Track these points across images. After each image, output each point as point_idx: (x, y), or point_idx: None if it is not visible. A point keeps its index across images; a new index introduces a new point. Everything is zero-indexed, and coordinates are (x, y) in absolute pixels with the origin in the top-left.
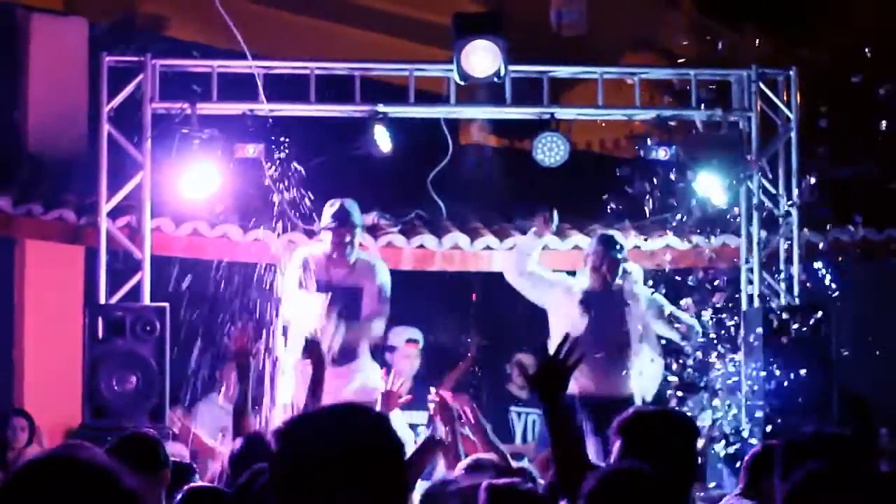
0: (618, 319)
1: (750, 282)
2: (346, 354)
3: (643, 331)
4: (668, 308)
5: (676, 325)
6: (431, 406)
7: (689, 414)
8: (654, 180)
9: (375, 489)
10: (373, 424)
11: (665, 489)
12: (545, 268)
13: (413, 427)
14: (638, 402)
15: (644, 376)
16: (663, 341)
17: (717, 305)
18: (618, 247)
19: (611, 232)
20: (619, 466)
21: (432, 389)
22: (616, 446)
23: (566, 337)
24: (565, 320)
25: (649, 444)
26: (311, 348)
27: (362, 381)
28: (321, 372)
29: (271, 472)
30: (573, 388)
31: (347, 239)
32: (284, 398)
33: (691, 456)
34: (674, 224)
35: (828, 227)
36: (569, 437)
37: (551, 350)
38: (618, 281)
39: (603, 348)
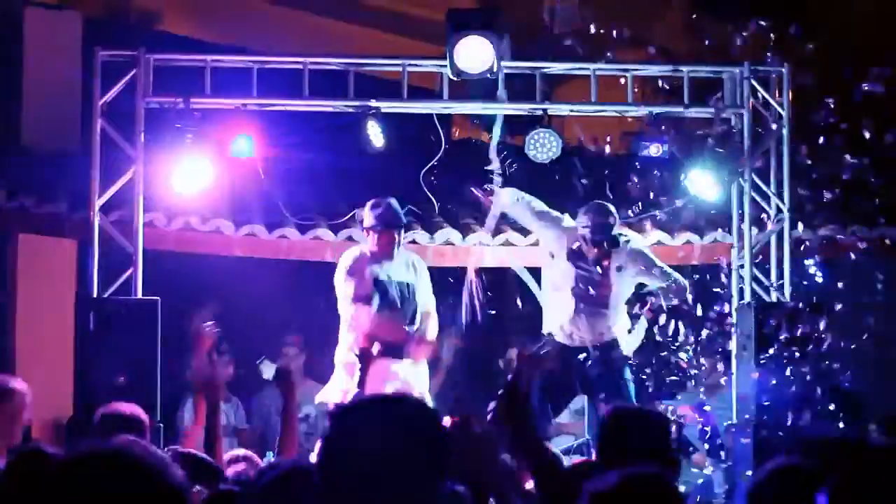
0: (605, 284)
1: (741, 279)
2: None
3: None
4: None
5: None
6: None
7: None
8: (647, 176)
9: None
10: (420, 414)
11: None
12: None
13: None
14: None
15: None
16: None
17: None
18: (610, 218)
19: (600, 202)
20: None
21: None
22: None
23: (519, 372)
24: (555, 262)
25: (627, 442)
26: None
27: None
28: (291, 400)
29: (323, 454)
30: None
31: (395, 239)
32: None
33: (669, 454)
34: (664, 220)
35: (819, 224)
36: (543, 456)
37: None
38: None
39: (588, 304)
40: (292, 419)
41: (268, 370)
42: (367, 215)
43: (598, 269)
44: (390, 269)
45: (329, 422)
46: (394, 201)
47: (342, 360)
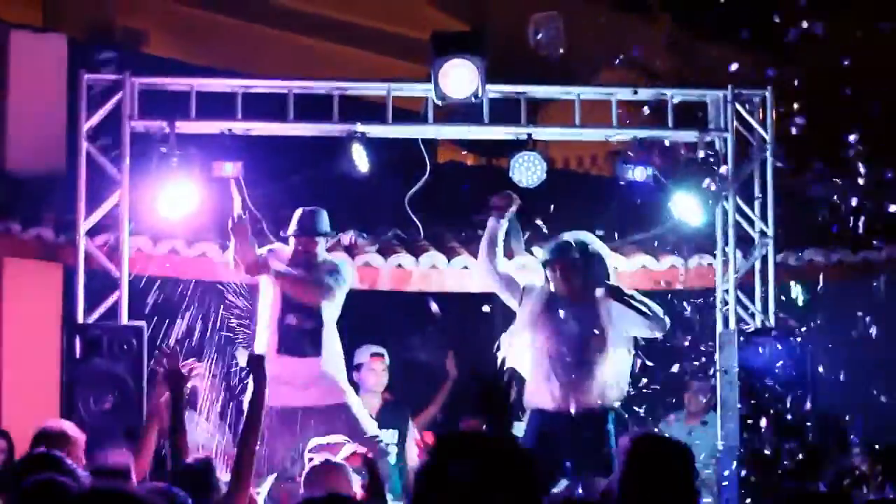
0: (587, 328)
1: (725, 303)
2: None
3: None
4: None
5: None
6: (416, 450)
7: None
8: (631, 200)
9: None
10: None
11: None
12: (511, 267)
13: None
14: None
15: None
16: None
17: None
18: (573, 250)
19: (567, 237)
20: None
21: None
22: (619, 467)
23: (503, 363)
24: (530, 317)
25: (652, 469)
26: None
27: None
28: (261, 387)
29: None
30: (540, 403)
31: (313, 249)
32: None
33: (692, 483)
34: (650, 244)
35: (803, 248)
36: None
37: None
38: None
39: (570, 356)
40: (259, 406)
41: (242, 357)
42: (293, 221)
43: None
44: (303, 271)
45: (427, 454)
46: (318, 210)
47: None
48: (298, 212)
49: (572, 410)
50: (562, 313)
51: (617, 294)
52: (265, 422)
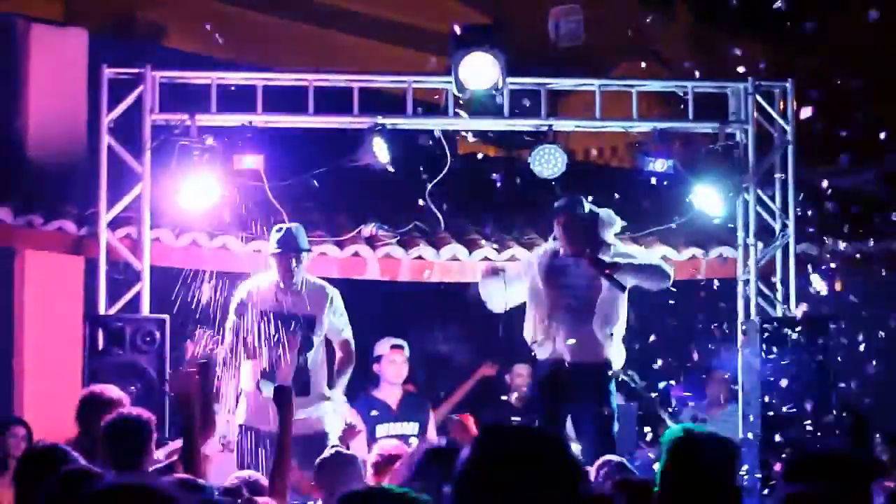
0: (587, 285)
1: (747, 294)
2: (299, 387)
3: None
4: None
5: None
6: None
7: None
8: (652, 191)
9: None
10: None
11: None
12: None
13: (405, 438)
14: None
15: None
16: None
17: None
18: (582, 207)
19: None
20: None
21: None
22: (660, 462)
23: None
24: (532, 282)
25: (694, 465)
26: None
27: (310, 415)
28: (287, 419)
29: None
30: (543, 354)
31: (293, 265)
32: (239, 419)
33: (733, 480)
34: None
35: (824, 238)
36: None
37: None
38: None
39: (572, 313)
40: (287, 437)
41: (266, 388)
42: (270, 240)
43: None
44: (289, 301)
45: (471, 447)
46: (297, 226)
47: (245, 389)
48: (277, 230)
49: (571, 359)
50: (564, 268)
51: (600, 267)
52: (250, 444)
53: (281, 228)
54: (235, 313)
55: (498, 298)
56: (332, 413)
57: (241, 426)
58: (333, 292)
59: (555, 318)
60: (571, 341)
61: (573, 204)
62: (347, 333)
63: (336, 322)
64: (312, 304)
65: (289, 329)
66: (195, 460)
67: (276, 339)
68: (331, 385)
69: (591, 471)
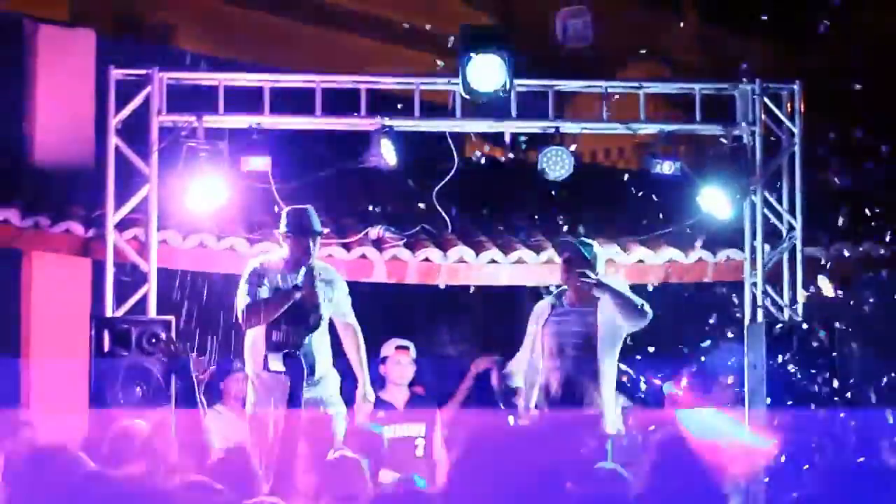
0: (579, 332)
1: (753, 296)
2: (308, 367)
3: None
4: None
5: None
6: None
7: None
8: (659, 193)
9: None
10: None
11: None
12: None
13: (410, 440)
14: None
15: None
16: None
17: None
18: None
19: (569, 239)
20: None
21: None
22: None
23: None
24: (536, 326)
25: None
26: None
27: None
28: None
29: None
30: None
31: (311, 246)
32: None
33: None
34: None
35: (831, 241)
36: None
37: None
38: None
39: (564, 364)
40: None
41: (275, 363)
42: (282, 221)
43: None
44: (298, 281)
45: (462, 447)
46: (311, 209)
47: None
48: (291, 209)
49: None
50: (565, 311)
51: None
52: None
53: (295, 210)
54: (248, 282)
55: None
56: (336, 395)
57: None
58: (339, 276)
59: (553, 361)
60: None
61: (570, 242)
62: (353, 319)
63: (343, 304)
64: (321, 285)
65: (301, 308)
66: None
67: (288, 316)
68: (359, 373)
69: None
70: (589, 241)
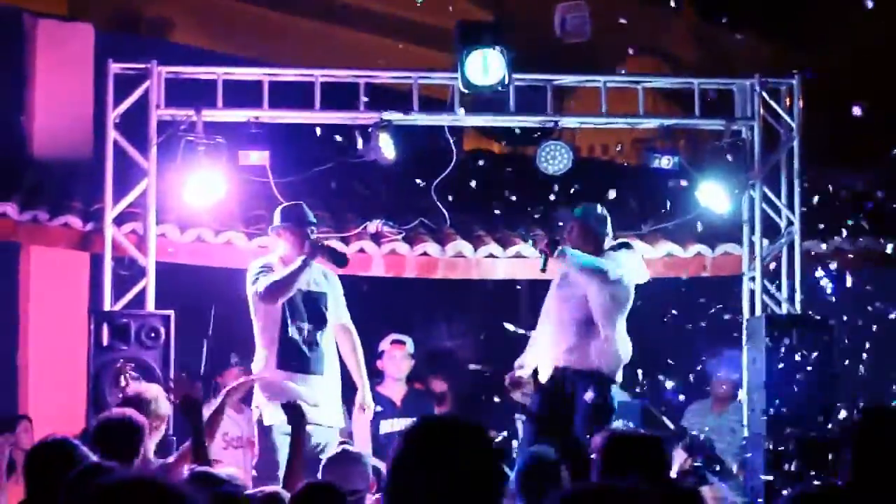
0: (568, 296)
1: (752, 291)
2: (317, 365)
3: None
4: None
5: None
6: None
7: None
8: (657, 188)
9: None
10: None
11: None
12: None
13: None
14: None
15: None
16: None
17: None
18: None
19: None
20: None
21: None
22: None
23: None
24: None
25: (625, 465)
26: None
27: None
28: (300, 433)
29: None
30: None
31: (307, 235)
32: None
33: (664, 473)
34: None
35: (830, 235)
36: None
37: None
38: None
39: (555, 324)
40: (300, 452)
41: (270, 417)
42: (278, 216)
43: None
44: (304, 276)
45: (398, 445)
46: (303, 204)
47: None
48: (287, 206)
49: (570, 368)
50: (564, 277)
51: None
52: (264, 440)
53: (290, 204)
54: (261, 270)
55: None
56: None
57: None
58: (332, 274)
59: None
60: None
61: (576, 209)
62: (349, 321)
63: (339, 305)
64: (322, 283)
65: (314, 305)
66: (205, 460)
67: (303, 315)
68: (357, 380)
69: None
70: (591, 205)
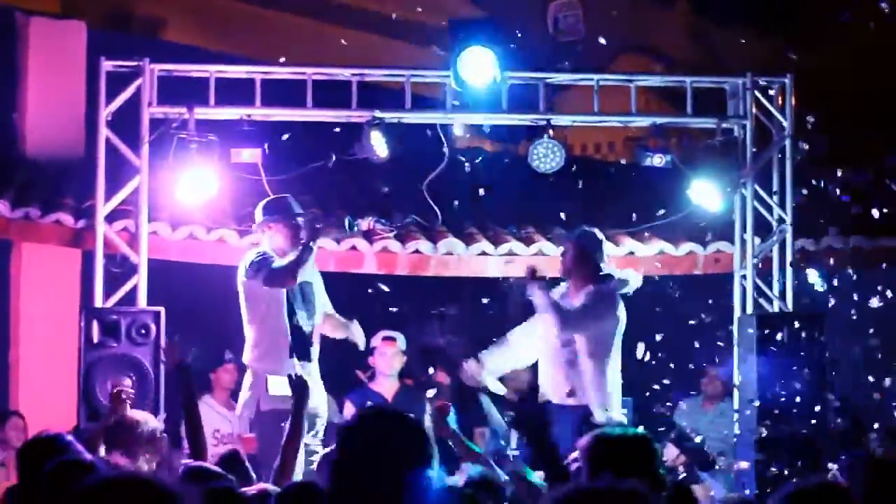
0: (581, 326)
1: (743, 289)
2: (307, 353)
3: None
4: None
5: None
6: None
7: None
8: (649, 186)
9: None
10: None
11: None
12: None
13: None
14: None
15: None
16: None
17: None
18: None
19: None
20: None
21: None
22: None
23: (534, 387)
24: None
25: (613, 467)
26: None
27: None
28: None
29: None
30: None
31: (298, 224)
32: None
33: (657, 474)
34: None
35: (821, 234)
36: (557, 466)
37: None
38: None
39: (562, 356)
40: (300, 422)
41: (274, 385)
42: (263, 211)
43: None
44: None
45: (338, 435)
46: (289, 196)
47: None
48: (271, 199)
49: (566, 403)
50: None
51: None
52: (259, 427)
53: (276, 198)
54: (261, 257)
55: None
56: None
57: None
58: (315, 264)
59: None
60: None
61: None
62: (331, 307)
63: (323, 291)
64: (308, 272)
65: (307, 294)
66: (198, 432)
67: (301, 303)
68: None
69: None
70: (589, 230)
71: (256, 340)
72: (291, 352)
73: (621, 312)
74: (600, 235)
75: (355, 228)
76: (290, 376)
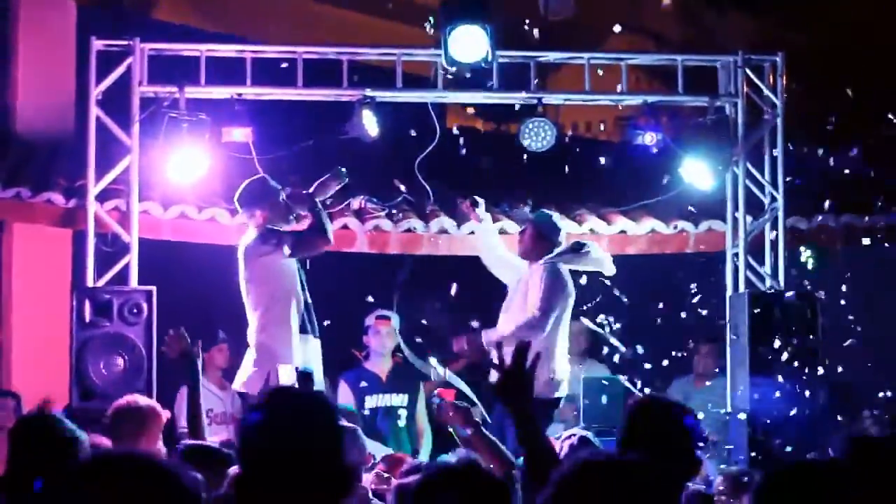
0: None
1: (735, 267)
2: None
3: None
4: None
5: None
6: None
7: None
8: (641, 165)
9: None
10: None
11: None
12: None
13: (394, 409)
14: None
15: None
16: None
17: None
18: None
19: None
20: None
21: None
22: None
23: (524, 347)
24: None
25: (650, 435)
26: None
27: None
28: None
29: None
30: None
31: (285, 202)
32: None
33: (692, 448)
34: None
35: (813, 212)
36: (538, 439)
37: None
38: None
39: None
40: None
41: (284, 373)
42: (246, 200)
43: None
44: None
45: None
46: (263, 176)
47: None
48: (254, 180)
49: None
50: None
51: None
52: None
53: (253, 184)
54: (270, 231)
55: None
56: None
57: (240, 394)
58: None
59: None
60: None
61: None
62: None
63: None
64: None
65: (302, 269)
66: (199, 419)
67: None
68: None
69: (556, 444)
70: (548, 213)
71: (269, 319)
72: (303, 327)
73: (570, 289)
74: (559, 222)
75: (346, 179)
76: (296, 369)
